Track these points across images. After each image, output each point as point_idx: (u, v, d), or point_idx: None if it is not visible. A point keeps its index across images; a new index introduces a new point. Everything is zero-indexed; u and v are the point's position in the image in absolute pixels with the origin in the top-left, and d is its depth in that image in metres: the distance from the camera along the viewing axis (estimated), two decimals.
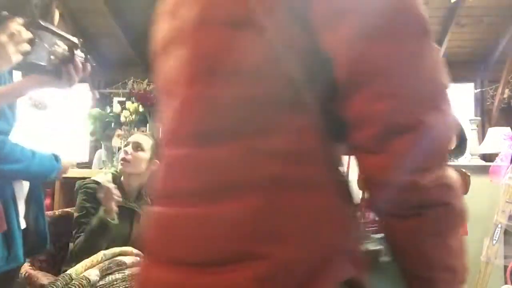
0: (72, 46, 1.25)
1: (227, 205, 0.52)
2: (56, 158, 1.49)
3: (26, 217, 1.45)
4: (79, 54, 1.29)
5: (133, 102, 4.19)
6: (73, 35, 1.32)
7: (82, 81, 5.46)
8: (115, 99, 4.91)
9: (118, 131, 4.07)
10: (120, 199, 1.89)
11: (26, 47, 1.10)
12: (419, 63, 0.52)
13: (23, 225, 1.43)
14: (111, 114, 4.30)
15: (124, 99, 4.70)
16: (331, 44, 0.52)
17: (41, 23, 1.18)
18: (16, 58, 1.09)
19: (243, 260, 0.51)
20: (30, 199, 1.48)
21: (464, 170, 1.95)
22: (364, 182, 0.56)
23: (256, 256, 0.50)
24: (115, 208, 1.87)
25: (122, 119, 4.11)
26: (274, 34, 0.53)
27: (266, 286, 0.50)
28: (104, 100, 4.97)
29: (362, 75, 0.51)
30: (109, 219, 1.86)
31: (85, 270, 1.74)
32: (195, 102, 0.57)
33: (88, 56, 1.32)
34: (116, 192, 1.87)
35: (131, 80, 4.77)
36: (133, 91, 4.26)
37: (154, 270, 0.57)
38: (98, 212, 1.90)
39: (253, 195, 0.52)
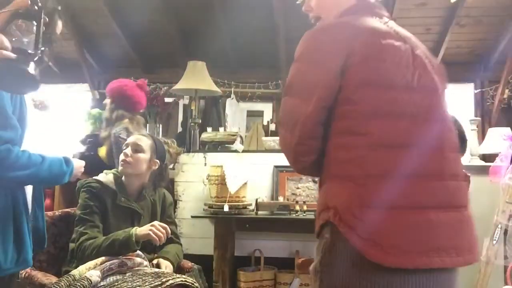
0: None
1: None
2: (67, 162, 1.51)
3: (31, 217, 1.49)
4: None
5: None
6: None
7: (82, 81, 5.45)
8: None
9: None
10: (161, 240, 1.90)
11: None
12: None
13: None
14: None
15: None
16: None
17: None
18: None
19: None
20: (33, 200, 1.52)
21: (464, 171, 1.94)
22: None
23: None
24: (145, 238, 1.88)
25: None
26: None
27: None
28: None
29: None
30: (135, 243, 1.86)
31: (88, 271, 1.74)
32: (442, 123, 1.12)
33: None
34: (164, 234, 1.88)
35: None
36: None
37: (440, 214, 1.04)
38: (130, 228, 1.91)
39: None
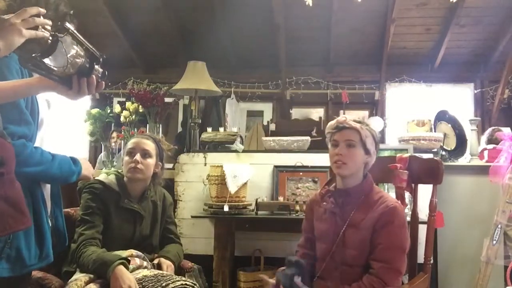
0: (93, 60, 1.23)
1: None
2: (75, 161, 1.53)
3: (50, 216, 1.52)
4: (97, 70, 1.26)
5: (133, 103, 4.18)
6: None
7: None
8: (115, 99, 4.92)
9: (113, 134, 4.07)
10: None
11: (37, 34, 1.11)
12: None
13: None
14: (111, 114, 4.30)
15: (124, 99, 4.70)
16: None
17: (70, 28, 1.17)
18: (21, 40, 1.09)
19: None
20: (51, 200, 1.55)
21: (436, 158, 1.88)
22: None
23: None
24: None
25: (122, 119, 4.11)
26: None
27: None
28: (104, 100, 4.98)
29: None
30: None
31: (87, 282, 1.75)
32: None
33: (106, 73, 1.29)
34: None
35: (131, 80, 4.77)
36: (133, 91, 4.26)
37: None
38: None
39: None
